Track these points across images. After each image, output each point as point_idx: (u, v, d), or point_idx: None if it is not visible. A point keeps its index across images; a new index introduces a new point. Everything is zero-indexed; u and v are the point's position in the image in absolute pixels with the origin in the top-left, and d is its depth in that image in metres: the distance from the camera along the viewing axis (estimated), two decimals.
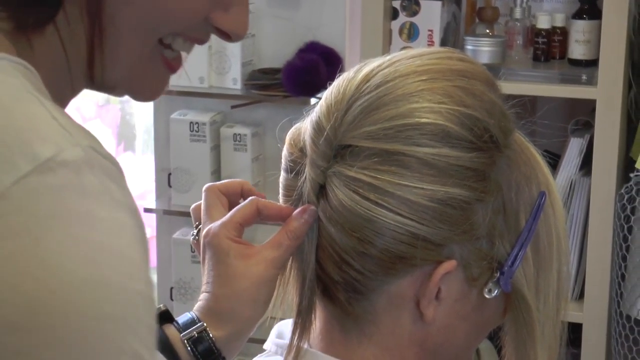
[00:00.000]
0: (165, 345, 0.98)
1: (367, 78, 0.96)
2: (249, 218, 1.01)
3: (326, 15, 2.75)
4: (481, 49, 2.32)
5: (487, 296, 0.97)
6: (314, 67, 2.59)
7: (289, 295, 1.02)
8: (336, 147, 0.95)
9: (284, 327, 1.04)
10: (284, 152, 1.02)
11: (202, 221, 1.04)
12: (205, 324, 0.99)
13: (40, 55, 0.80)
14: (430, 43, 2.35)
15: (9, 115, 0.70)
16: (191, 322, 1.00)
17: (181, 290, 2.91)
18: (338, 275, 0.96)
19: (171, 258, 2.94)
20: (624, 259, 2.28)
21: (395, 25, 2.37)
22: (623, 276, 2.30)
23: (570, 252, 1.00)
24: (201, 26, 0.86)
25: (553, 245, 1.00)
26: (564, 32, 2.36)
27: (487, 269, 0.96)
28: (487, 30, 2.43)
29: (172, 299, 2.92)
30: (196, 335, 0.99)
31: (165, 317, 1.03)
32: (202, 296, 1.02)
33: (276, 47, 2.79)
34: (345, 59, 2.50)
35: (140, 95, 0.88)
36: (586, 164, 2.30)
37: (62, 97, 0.83)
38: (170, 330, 1.01)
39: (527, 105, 1.06)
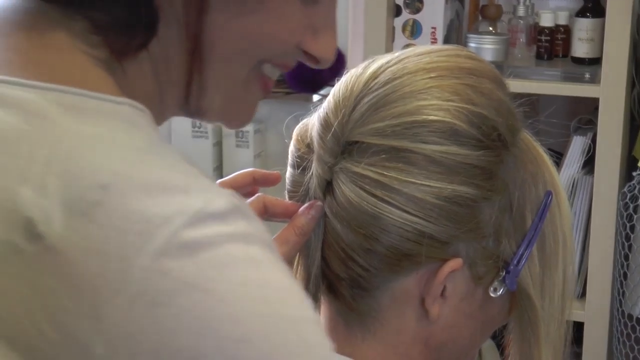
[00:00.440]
0: None
1: (375, 75, 0.96)
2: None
3: None
4: (484, 46, 2.32)
5: (492, 295, 0.97)
6: None
7: None
8: (343, 143, 0.95)
9: None
10: (291, 147, 1.01)
11: None
12: None
13: (133, 83, 0.77)
14: (433, 40, 2.35)
15: (149, 171, 0.68)
16: None
17: None
18: (343, 271, 0.96)
19: None
20: (626, 257, 2.28)
21: (398, 22, 2.37)
22: (625, 275, 2.29)
23: (575, 252, 1.00)
24: (292, 51, 0.85)
25: (559, 244, 0.99)
26: (567, 30, 2.36)
27: (493, 267, 0.96)
28: (490, 28, 2.43)
29: None
30: None
31: None
32: None
33: None
34: (348, 56, 2.50)
35: (234, 121, 0.86)
36: (589, 163, 2.30)
37: None
38: None
39: (531, 103, 1.06)
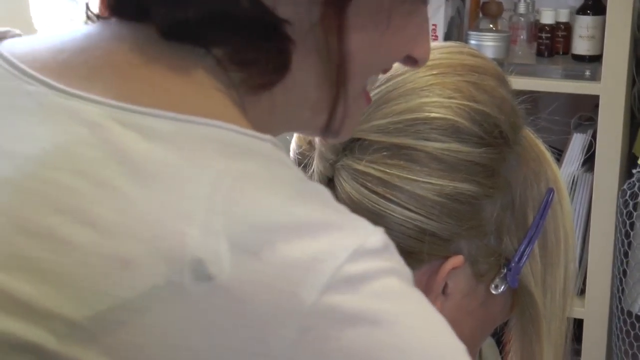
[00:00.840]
0: None
1: None
2: None
3: None
4: (485, 44, 2.32)
5: (493, 292, 0.97)
6: None
7: None
8: (345, 140, 0.95)
9: None
10: (292, 144, 1.01)
11: None
12: None
13: (260, 116, 0.77)
14: (434, 38, 2.35)
15: (306, 208, 0.68)
16: None
17: None
18: None
19: None
20: (626, 255, 2.29)
21: None
22: (625, 272, 2.30)
23: (576, 249, 1.00)
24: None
25: (560, 241, 0.99)
26: (567, 28, 2.36)
27: (495, 264, 0.96)
28: (491, 25, 2.43)
29: None
30: None
31: None
32: None
33: None
34: None
35: (346, 134, 0.85)
36: (589, 160, 2.30)
37: None
38: None
39: (531, 101, 1.06)
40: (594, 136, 2.27)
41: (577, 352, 2.36)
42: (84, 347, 0.63)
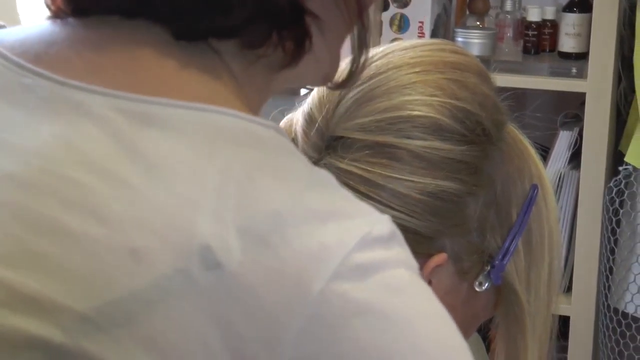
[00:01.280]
0: None
1: None
2: None
3: None
4: (471, 41, 2.32)
5: (477, 289, 0.97)
6: None
7: None
8: (328, 138, 0.94)
9: None
10: None
11: None
12: None
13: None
14: (421, 35, 2.35)
15: (315, 197, 0.68)
16: None
17: None
18: None
19: None
20: (612, 252, 2.29)
21: (386, 16, 2.37)
22: (611, 269, 2.30)
23: (561, 246, 1.00)
24: None
25: (545, 238, 0.99)
26: (554, 25, 2.36)
27: (478, 262, 0.96)
28: (478, 23, 2.43)
29: None
30: None
31: None
32: None
33: None
34: None
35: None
36: (575, 157, 2.30)
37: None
38: None
39: (518, 98, 1.06)
40: (580, 133, 2.27)
41: (564, 349, 2.36)
42: (92, 340, 0.62)
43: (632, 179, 2.27)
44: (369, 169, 0.92)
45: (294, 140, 0.98)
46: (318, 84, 0.84)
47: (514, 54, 2.41)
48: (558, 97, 2.51)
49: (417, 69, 0.95)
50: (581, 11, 2.30)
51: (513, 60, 2.37)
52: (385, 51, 0.97)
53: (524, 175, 0.98)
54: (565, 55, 2.33)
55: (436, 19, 2.39)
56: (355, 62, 0.79)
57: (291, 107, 1.02)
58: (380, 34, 2.36)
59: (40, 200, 0.64)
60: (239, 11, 0.70)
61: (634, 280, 2.29)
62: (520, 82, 2.28)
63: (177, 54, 0.70)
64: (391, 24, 2.36)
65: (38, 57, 0.71)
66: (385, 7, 2.36)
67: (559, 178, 2.32)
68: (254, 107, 0.73)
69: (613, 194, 2.26)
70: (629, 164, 2.25)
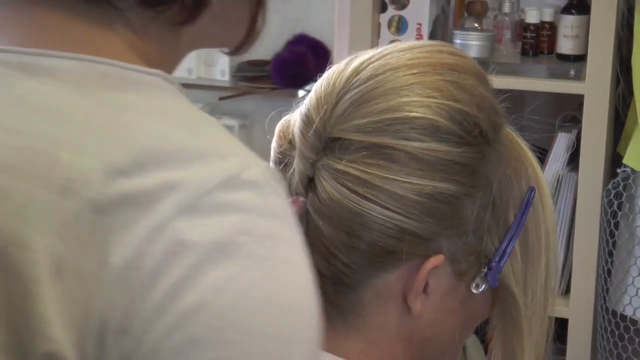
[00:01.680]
0: None
1: (357, 71, 0.96)
2: None
3: (315, 8, 2.75)
4: (469, 43, 2.32)
5: (474, 291, 0.97)
6: (302, 59, 2.59)
7: None
8: (325, 139, 0.95)
9: None
10: (273, 144, 1.01)
11: None
12: None
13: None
14: (419, 37, 2.35)
15: (188, 135, 0.70)
16: None
17: None
18: (325, 268, 0.96)
19: None
20: (610, 254, 2.29)
21: (384, 18, 2.37)
22: (609, 272, 2.30)
23: (558, 248, 1.00)
24: None
25: (542, 240, 1.00)
26: (552, 27, 2.36)
27: (475, 263, 0.96)
28: (476, 25, 2.42)
29: None
30: None
31: None
32: None
33: (265, 39, 2.76)
34: (334, 52, 2.49)
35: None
36: (574, 159, 2.30)
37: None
38: None
39: (516, 100, 1.06)
40: (578, 135, 2.27)
41: (562, 352, 2.36)
42: None
43: (630, 181, 2.27)
44: (366, 170, 0.92)
45: (291, 141, 0.98)
46: (230, 47, 0.86)
47: (512, 56, 2.40)
48: (556, 99, 2.51)
49: (414, 71, 0.95)
50: (579, 13, 2.30)
51: (511, 62, 2.37)
52: (383, 52, 0.97)
53: (521, 177, 0.98)
54: (564, 57, 2.33)
55: (434, 20, 2.39)
56: (250, 26, 0.83)
57: (289, 108, 1.02)
58: (379, 36, 2.36)
59: None
60: None
61: (632, 283, 2.29)
62: (519, 84, 2.28)
63: (73, 9, 0.75)
64: (389, 25, 2.36)
65: None
66: (383, 9, 2.36)
67: (558, 180, 2.32)
68: (156, 61, 0.77)
69: (611, 196, 2.26)
70: (627, 166, 2.25)
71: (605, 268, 2.29)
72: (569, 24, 2.31)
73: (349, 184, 0.93)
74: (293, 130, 0.98)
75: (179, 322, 0.66)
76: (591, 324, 2.32)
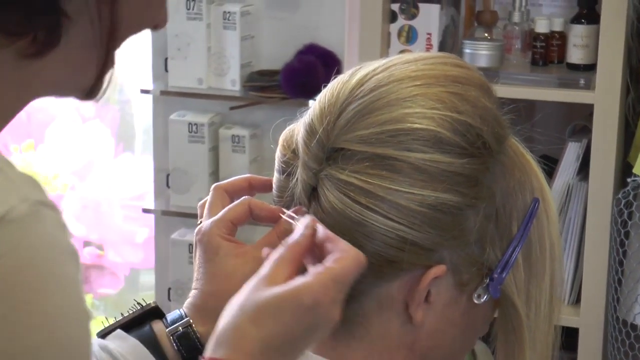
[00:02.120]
0: (151, 341, 1.00)
1: (361, 82, 0.96)
2: (240, 217, 1.01)
3: (325, 18, 2.75)
4: (479, 52, 2.32)
5: (476, 301, 0.97)
6: (312, 69, 2.59)
7: None
8: (328, 149, 0.95)
9: None
10: (277, 153, 1.02)
11: (204, 219, 1.05)
12: (190, 320, 1.02)
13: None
14: (429, 46, 2.35)
15: None
16: (178, 318, 1.03)
17: (178, 291, 2.91)
18: None
19: (169, 259, 2.94)
20: (621, 263, 2.29)
21: (394, 28, 2.37)
22: (620, 281, 2.30)
23: (563, 259, 0.99)
24: None
25: (546, 252, 0.99)
26: (562, 37, 2.36)
27: (477, 274, 0.97)
28: (486, 34, 2.43)
29: (169, 300, 2.92)
30: (181, 330, 1.02)
31: (156, 313, 1.05)
32: (191, 293, 1.04)
33: (275, 49, 2.79)
34: (343, 62, 2.50)
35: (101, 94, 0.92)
36: (584, 169, 2.30)
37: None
38: (159, 326, 1.03)
39: (525, 109, 1.06)
40: (588, 145, 2.27)
41: None
42: None
43: None
44: (369, 180, 0.93)
45: (294, 151, 0.99)
46: (75, 95, 0.90)
47: (522, 66, 2.41)
48: (566, 109, 2.50)
49: (418, 82, 0.95)
50: (589, 22, 2.30)
51: (521, 72, 2.37)
52: (387, 64, 0.98)
53: (525, 188, 0.98)
54: (574, 67, 2.33)
55: (444, 30, 2.39)
56: (98, 77, 0.86)
57: (293, 118, 1.03)
58: (389, 46, 2.37)
59: None
60: None
61: None
62: (528, 94, 2.28)
63: None
64: (399, 35, 2.37)
65: None
66: (393, 19, 2.37)
67: (568, 190, 2.32)
68: (21, 90, 0.83)
69: (621, 206, 2.25)
70: (638, 176, 2.24)
71: (616, 277, 2.29)
72: (578, 34, 2.31)
73: (351, 194, 0.93)
74: (297, 139, 0.99)
75: None
76: (602, 334, 2.31)
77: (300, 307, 0.86)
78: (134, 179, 3.37)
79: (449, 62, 0.98)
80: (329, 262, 0.88)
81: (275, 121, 1.07)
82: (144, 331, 1.04)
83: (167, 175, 2.87)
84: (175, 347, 1.02)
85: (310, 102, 2.49)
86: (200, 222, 1.05)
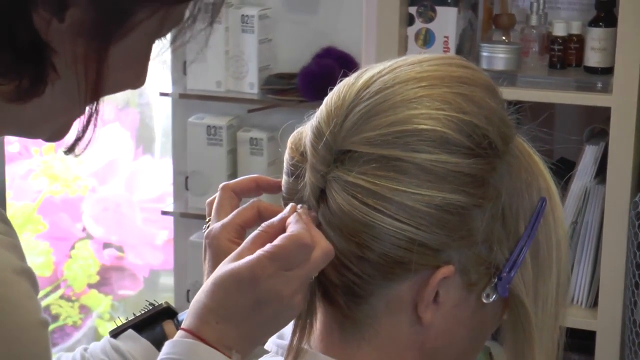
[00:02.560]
0: (162, 342, 1.01)
1: (367, 84, 0.97)
2: (249, 220, 1.02)
3: (343, 21, 2.76)
4: (496, 55, 2.33)
5: (484, 301, 0.97)
6: (329, 72, 2.60)
7: None
8: (336, 152, 0.96)
9: (285, 328, 1.04)
10: (286, 156, 1.03)
11: (211, 219, 1.06)
12: None
13: None
14: (446, 49, 2.35)
15: None
16: None
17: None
18: (337, 278, 0.97)
19: (187, 260, 2.96)
20: (638, 266, 2.28)
21: (411, 31, 2.38)
22: (637, 284, 2.29)
23: (570, 258, 1.00)
24: None
25: (553, 251, 1.00)
26: (580, 40, 2.36)
27: (485, 274, 0.97)
28: (503, 37, 2.43)
29: (188, 301, 2.93)
30: None
31: (168, 313, 1.06)
32: None
33: (293, 52, 2.81)
34: (361, 65, 2.51)
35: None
36: (601, 172, 2.30)
37: None
38: (170, 327, 1.04)
39: (542, 112, 1.06)
40: (606, 148, 2.27)
41: None
42: None
43: None
44: (376, 182, 0.93)
45: (302, 153, 1.00)
46: (42, 138, 0.95)
47: (540, 69, 2.40)
48: (584, 112, 2.50)
49: (423, 84, 0.96)
50: (607, 25, 2.30)
51: (538, 75, 2.37)
52: (393, 66, 0.99)
53: (532, 188, 0.99)
54: (591, 70, 2.33)
55: (461, 33, 2.40)
56: (82, 130, 0.92)
57: (301, 121, 1.04)
58: (406, 49, 2.37)
59: None
60: None
61: None
62: (546, 97, 2.28)
63: None
64: (416, 38, 2.37)
65: None
66: (411, 22, 2.37)
67: (585, 193, 2.32)
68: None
69: (639, 209, 2.25)
70: None
71: (633, 280, 2.29)
72: (596, 37, 2.31)
73: (359, 195, 0.94)
74: (305, 142, 0.99)
75: None
76: (619, 337, 2.31)
77: (241, 281, 0.93)
78: (154, 181, 3.38)
79: (454, 63, 0.99)
80: (275, 241, 0.93)
81: (293, 124, 1.08)
82: (156, 332, 1.06)
83: (186, 178, 2.89)
84: None
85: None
86: (209, 220, 1.06)
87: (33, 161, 3.39)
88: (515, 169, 0.98)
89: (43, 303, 3.36)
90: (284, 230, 0.95)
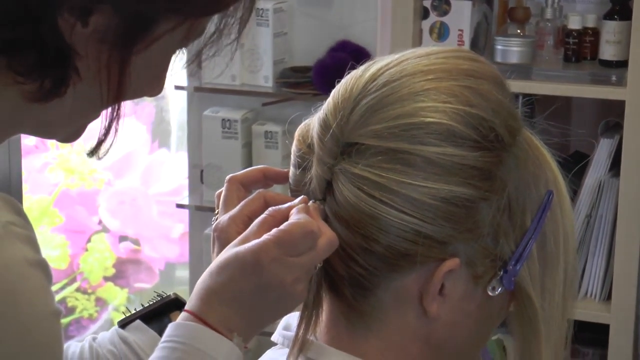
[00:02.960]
0: None
1: (374, 77, 0.97)
2: (256, 211, 1.02)
3: (358, 14, 2.76)
4: (511, 49, 2.33)
5: (490, 293, 0.98)
6: (344, 65, 2.59)
7: None
8: (342, 144, 0.96)
9: (292, 320, 1.05)
10: (293, 148, 1.03)
11: (219, 212, 1.06)
12: None
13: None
14: (461, 42, 2.35)
15: None
16: None
17: None
18: (344, 270, 0.97)
19: (203, 253, 2.96)
20: None
21: (426, 24, 2.38)
22: None
23: (577, 251, 0.99)
24: None
25: (560, 244, 1.00)
26: (595, 33, 2.36)
27: (491, 267, 0.97)
28: (518, 30, 2.43)
29: None
30: None
31: (176, 304, 1.06)
32: None
33: (308, 46, 2.81)
34: (375, 58, 2.50)
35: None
36: (615, 165, 2.29)
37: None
38: (177, 317, 1.04)
39: (558, 106, 1.06)
40: (620, 141, 2.27)
41: (603, 357, 2.35)
42: None
43: None
44: (383, 174, 0.94)
45: (310, 146, 1.00)
46: (58, 138, 0.97)
47: (555, 62, 2.40)
48: (599, 105, 2.50)
49: (430, 77, 0.96)
50: (622, 19, 2.29)
51: (553, 68, 2.37)
52: (400, 59, 0.99)
53: (539, 181, 0.99)
54: (606, 63, 2.33)
55: (476, 27, 2.39)
56: (104, 134, 0.94)
57: (308, 113, 1.04)
58: (420, 42, 2.37)
59: None
60: (9, 31, 0.84)
61: None
62: (561, 90, 2.28)
63: None
64: (431, 32, 2.37)
65: None
66: (425, 15, 2.37)
67: (600, 186, 2.32)
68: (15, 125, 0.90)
69: None
70: None
71: None
72: (611, 30, 2.31)
73: (365, 187, 0.94)
74: (312, 134, 1.00)
75: None
76: (632, 330, 2.31)
77: (244, 264, 0.94)
78: (169, 174, 3.39)
79: (461, 55, 0.99)
80: (281, 226, 0.94)
81: (283, 115, 1.08)
82: (164, 323, 1.07)
83: (201, 171, 2.89)
84: None
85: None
86: (217, 212, 1.06)
87: (49, 154, 3.41)
88: (523, 161, 0.98)
89: (59, 296, 3.38)
90: (287, 216, 0.96)
